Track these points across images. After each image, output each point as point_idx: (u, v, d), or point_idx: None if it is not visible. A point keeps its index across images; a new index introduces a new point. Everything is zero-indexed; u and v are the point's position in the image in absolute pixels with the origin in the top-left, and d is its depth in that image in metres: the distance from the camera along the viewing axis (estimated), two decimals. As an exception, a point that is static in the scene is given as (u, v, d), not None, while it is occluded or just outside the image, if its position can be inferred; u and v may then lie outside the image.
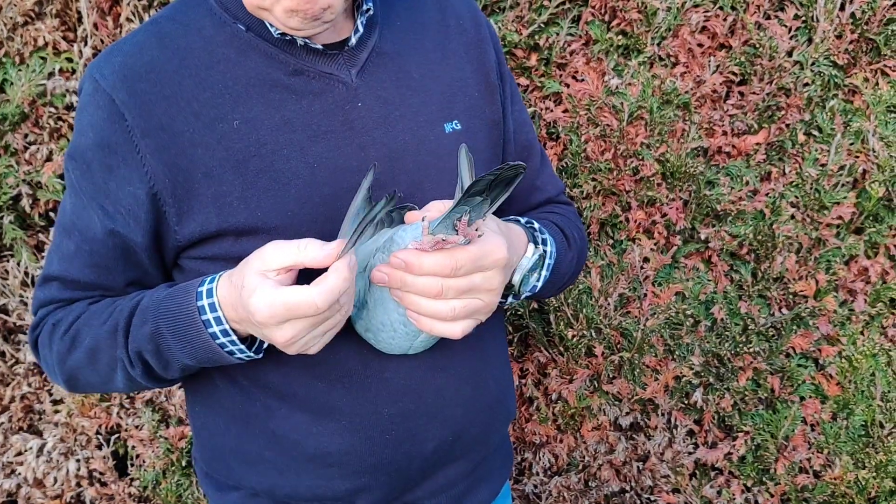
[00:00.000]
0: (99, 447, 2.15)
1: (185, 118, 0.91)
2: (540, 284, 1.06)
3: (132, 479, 2.17)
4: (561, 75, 1.96)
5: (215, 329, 0.89)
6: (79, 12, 1.83)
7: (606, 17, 1.94)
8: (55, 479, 2.15)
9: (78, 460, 2.14)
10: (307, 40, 0.95)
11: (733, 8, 1.94)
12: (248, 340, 0.94)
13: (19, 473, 2.15)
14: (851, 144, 1.99)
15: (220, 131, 0.92)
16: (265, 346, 0.96)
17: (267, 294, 0.80)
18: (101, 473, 2.17)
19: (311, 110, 0.95)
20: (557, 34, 1.93)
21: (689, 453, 2.14)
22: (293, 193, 0.93)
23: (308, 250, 0.80)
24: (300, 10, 0.86)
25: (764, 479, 2.13)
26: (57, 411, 2.13)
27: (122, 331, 0.93)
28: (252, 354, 0.93)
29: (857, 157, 2.00)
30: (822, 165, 1.99)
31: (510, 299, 1.03)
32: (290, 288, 0.80)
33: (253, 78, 0.94)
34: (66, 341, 0.98)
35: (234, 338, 0.89)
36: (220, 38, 0.95)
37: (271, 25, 0.93)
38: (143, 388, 1.03)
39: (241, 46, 0.95)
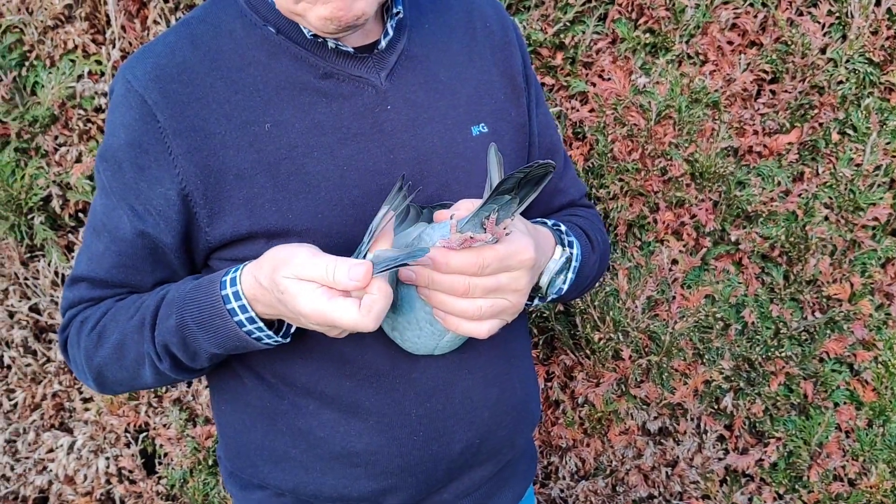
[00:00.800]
0: (127, 445, 2.17)
1: (217, 120, 0.92)
2: (566, 287, 1.05)
3: (160, 478, 2.19)
4: (587, 74, 1.94)
5: (241, 317, 0.88)
6: (107, 15, 1.85)
7: (633, 15, 1.91)
8: (85, 477, 2.18)
9: (107, 458, 2.16)
10: (338, 42, 0.95)
11: (764, 4, 1.90)
12: (276, 325, 0.94)
13: (51, 470, 2.19)
14: (888, 144, 1.94)
15: (252, 134, 0.92)
16: (293, 330, 0.94)
17: (316, 303, 0.78)
18: (129, 471, 2.20)
19: (341, 113, 0.95)
20: (583, 32, 1.91)
21: (719, 459, 2.10)
22: (323, 196, 0.94)
23: (337, 276, 0.77)
24: (335, 19, 0.87)
25: (796, 486, 2.08)
26: (87, 409, 2.16)
27: (149, 325, 0.94)
28: (280, 339, 0.92)
29: (894, 157, 1.94)
30: (857, 165, 1.94)
31: (536, 301, 1.02)
32: (340, 305, 0.77)
33: (283, 81, 0.94)
34: (92, 338, 0.99)
35: (261, 324, 0.89)
36: (251, 41, 0.95)
37: (305, 28, 0.94)
38: (171, 381, 1.03)
39: (272, 49, 0.95)
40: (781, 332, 1.99)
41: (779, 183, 1.95)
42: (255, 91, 0.93)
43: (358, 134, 0.96)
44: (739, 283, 2.00)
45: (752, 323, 1.99)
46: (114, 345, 0.97)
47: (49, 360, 2.14)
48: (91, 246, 1.01)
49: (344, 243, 0.93)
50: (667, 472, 2.12)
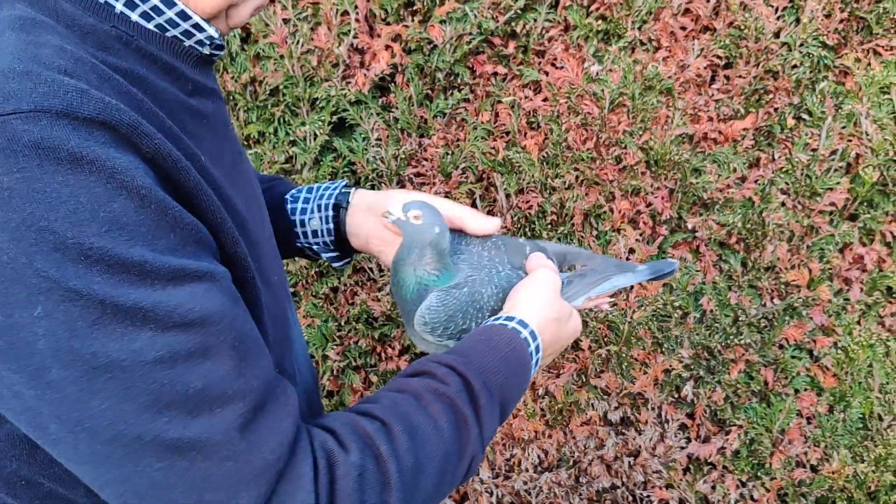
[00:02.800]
0: None
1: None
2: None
3: None
4: (540, 63, 1.91)
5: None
6: None
7: (585, 2, 1.88)
8: None
9: None
10: (213, 37, 0.76)
11: (717, -11, 1.88)
12: None
13: None
14: (843, 128, 1.92)
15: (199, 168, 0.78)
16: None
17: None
18: None
19: (216, 139, 0.79)
20: (535, 20, 1.88)
21: (682, 448, 2.09)
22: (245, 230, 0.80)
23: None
24: (262, 5, 0.78)
25: (759, 473, 2.07)
26: None
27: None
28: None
29: (850, 140, 1.93)
30: (813, 150, 1.93)
31: None
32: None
33: (175, 103, 0.74)
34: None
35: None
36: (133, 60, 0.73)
37: (194, 27, 0.74)
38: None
39: (145, 63, 0.71)
40: (740, 319, 1.98)
41: (734, 169, 1.93)
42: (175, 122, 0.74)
43: (233, 164, 0.82)
44: (697, 270, 1.98)
45: (711, 311, 1.98)
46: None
47: None
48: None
49: None
50: (629, 462, 2.11)
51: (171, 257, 0.58)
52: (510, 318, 0.87)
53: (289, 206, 1.05)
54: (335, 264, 1.09)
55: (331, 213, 1.03)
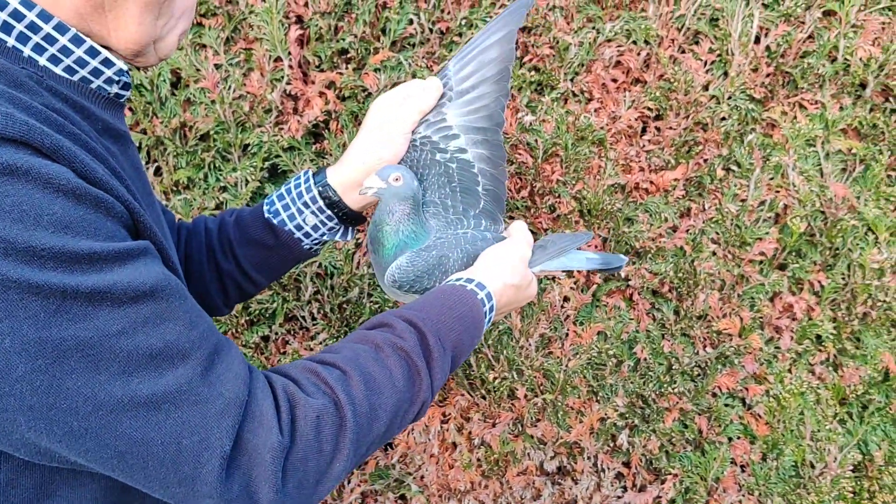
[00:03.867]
0: None
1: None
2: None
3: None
4: (474, 112, 1.92)
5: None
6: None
7: (518, 53, 1.90)
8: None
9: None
10: (122, 70, 0.78)
11: (647, 42, 1.91)
12: None
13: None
14: (771, 179, 1.96)
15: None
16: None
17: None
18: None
19: (132, 180, 0.79)
20: (469, 70, 1.89)
21: (618, 497, 2.07)
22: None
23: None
24: (187, 30, 0.81)
25: (695, 522, 2.07)
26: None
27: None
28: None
29: (778, 191, 1.97)
30: (742, 201, 1.96)
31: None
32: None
33: (92, 133, 0.75)
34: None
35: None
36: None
37: (102, 63, 0.75)
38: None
39: (58, 99, 0.73)
40: (674, 367, 1.98)
41: (666, 219, 1.95)
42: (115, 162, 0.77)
43: (150, 205, 0.86)
44: (631, 319, 1.99)
45: (645, 359, 1.98)
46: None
47: None
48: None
49: None
50: (566, 512, 2.09)
51: (113, 242, 0.64)
52: (470, 280, 0.99)
53: (275, 221, 1.10)
54: (349, 234, 1.16)
55: (320, 202, 1.09)
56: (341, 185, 1.09)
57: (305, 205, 1.09)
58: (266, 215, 1.10)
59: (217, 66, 1.83)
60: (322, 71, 1.87)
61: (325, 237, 1.13)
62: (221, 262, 1.11)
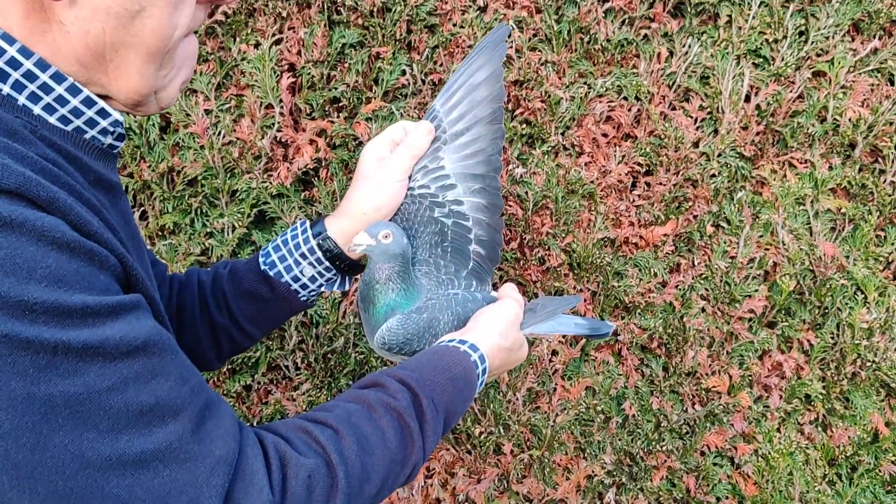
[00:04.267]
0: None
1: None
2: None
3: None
4: (464, 163, 1.91)
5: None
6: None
7: (510, 106, 1.90)
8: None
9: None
10: (118, 121, 0.77)
11: (638, 98, 1.92)
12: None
13: None
14: (761, 237, 1.96)
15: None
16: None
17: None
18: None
19: (123, 232, 0.77)
20: (460, 122, 1.89)
21: (604, 557, 2.03)
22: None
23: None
24: (188, 79, 0.80)
25: (682, 584, 2.02)
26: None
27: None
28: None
29: (767, 249, 1.96)
30: (732, 258, 1.95)
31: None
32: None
33: (84, 185, 0.73)
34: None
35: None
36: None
37: (98, 114, 0.74)
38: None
39: (52, 149, 0.71)
40: (662, 425, 1.95)
41: (655, 274, 1.94)
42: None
43: (140, 258, 0.85)
44: (619, 374, 1.96)
45: (633, 416, 1.96)
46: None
47: None
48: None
49: None
50: (551, 572, 2.04)
51: (106, 296, 0.63)
52: (463, 342, 0.98)
53: (271, 273, 1.08)
54: (346, 284, 1.14)
55: (318, 253, 1.07)
56: (342, 236, 1.07)
57: (303, 256, 1.07)
58: (262, 267, 1.08)
59: (207, 112, 1.82)
60: (313, 119, 1.87)
61: (322, 288, 1.11)
62: (215, 315, 1.08)
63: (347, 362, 1.90)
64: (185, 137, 1.81)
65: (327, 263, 1.08)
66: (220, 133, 1.82)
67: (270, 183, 1.84)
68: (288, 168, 1.85)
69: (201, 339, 1.09)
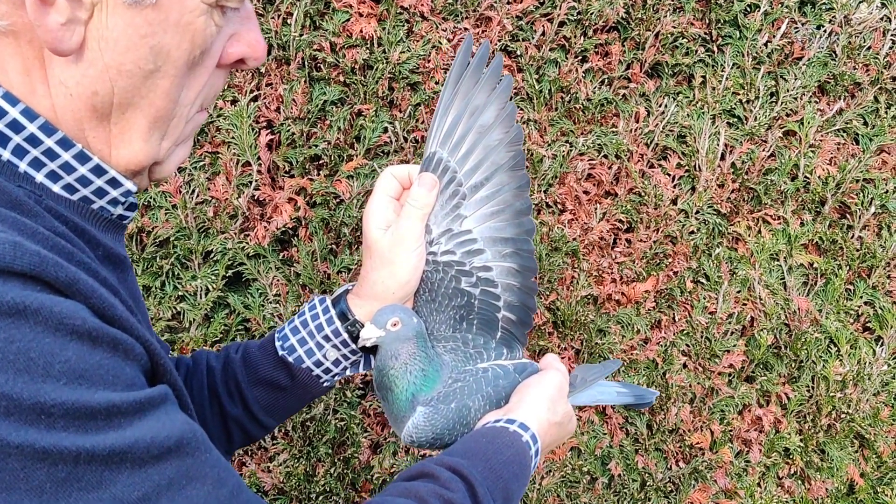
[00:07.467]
0: None
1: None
2: None
3: None
4: (447, 221, 1.88)
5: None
6: None
7: (492, 163, 1.88)
8: None
9: None
10: (130, 191, 0.70)
11: (618, 156, 1.93)
12: None
13: None
14: (738, 292, 1.98)
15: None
16: None
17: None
18: None
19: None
20: (442, 179, 1.86)
21: None
22: None
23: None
24: (184, 158, 0.74)
25: None
26: None
27: None
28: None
29: (745, 304, 1.99)
30: (711, 313, 1.97)
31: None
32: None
33: (93, 263, 0.68)
34: None
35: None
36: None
37: (108, 183, 0.68)
38: None
39: (59, 221, 0.66)
40: (647, 483, 1.93)
41: (638, 330, 1.93)
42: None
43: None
44: (604, 433, 1.94)
45: (619, 475, 1.93)
46: None
47: None
48: None
49: None
50: None
51: (132, 391, 0.55)
52: (511, 421, 0.90)
53: (290, 358, 0.98)
54: (371, 363, 1.05)
55: (344, 335, 0.98)
56: (368, 318, 0.97)
57: (326, 338, 0.98)
58: (280, 352, 0.98)
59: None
60: (292, 176, 1.81)
61: (347, 371, 1.03)
62: (227, 406, 0.99)
63: (327, 430, 1.82)
64: (157, 196, 1.73)
65: (353, 346, 0.99)
66: (193, 192, 1.74)
67: (247, 243, 1.76)
68: (266, 227, 1.78)
69: (210, 430, 0.99)
